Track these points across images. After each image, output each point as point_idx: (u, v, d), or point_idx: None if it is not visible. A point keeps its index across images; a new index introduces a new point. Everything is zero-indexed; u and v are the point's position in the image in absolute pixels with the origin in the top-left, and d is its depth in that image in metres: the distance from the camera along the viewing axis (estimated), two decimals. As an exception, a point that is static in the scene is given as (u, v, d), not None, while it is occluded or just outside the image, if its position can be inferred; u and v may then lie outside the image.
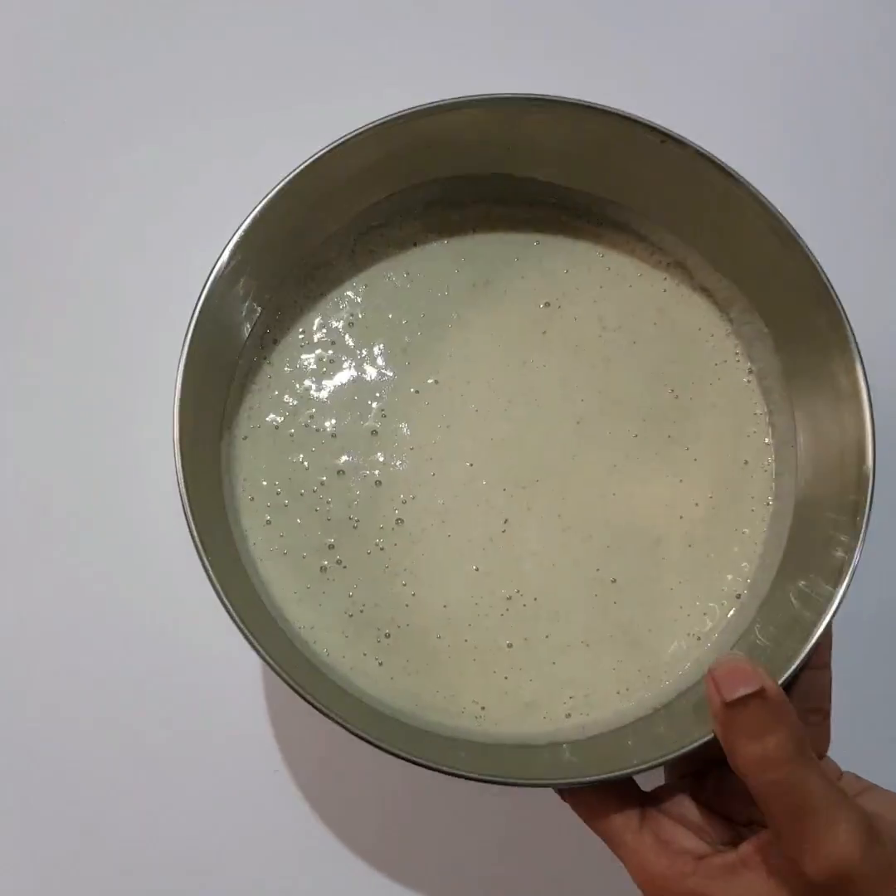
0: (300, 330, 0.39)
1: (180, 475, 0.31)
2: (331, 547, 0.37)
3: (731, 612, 0.37)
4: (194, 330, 0.33)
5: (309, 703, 0.30)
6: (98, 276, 0.47)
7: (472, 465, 0.38)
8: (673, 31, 0.50)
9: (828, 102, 0.49)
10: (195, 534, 0.31)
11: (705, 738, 0.31)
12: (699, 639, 0.36)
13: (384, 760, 0.31)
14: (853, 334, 0.33)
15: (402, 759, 0.30)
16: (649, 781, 0.34)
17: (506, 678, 0.36)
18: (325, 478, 0.38)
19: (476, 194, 0.40)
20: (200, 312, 0.33)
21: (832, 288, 0.34)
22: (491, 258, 0.40)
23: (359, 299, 0.39)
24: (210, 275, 0.34)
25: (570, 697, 0.36)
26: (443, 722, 0.35)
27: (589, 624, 0.37)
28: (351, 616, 0.37)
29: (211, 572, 0.30)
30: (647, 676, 0.36)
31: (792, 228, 0.34)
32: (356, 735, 0.30)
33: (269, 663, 0.30)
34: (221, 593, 0.30)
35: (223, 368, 0.37)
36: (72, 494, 0.45)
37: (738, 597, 0.37)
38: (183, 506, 0.31)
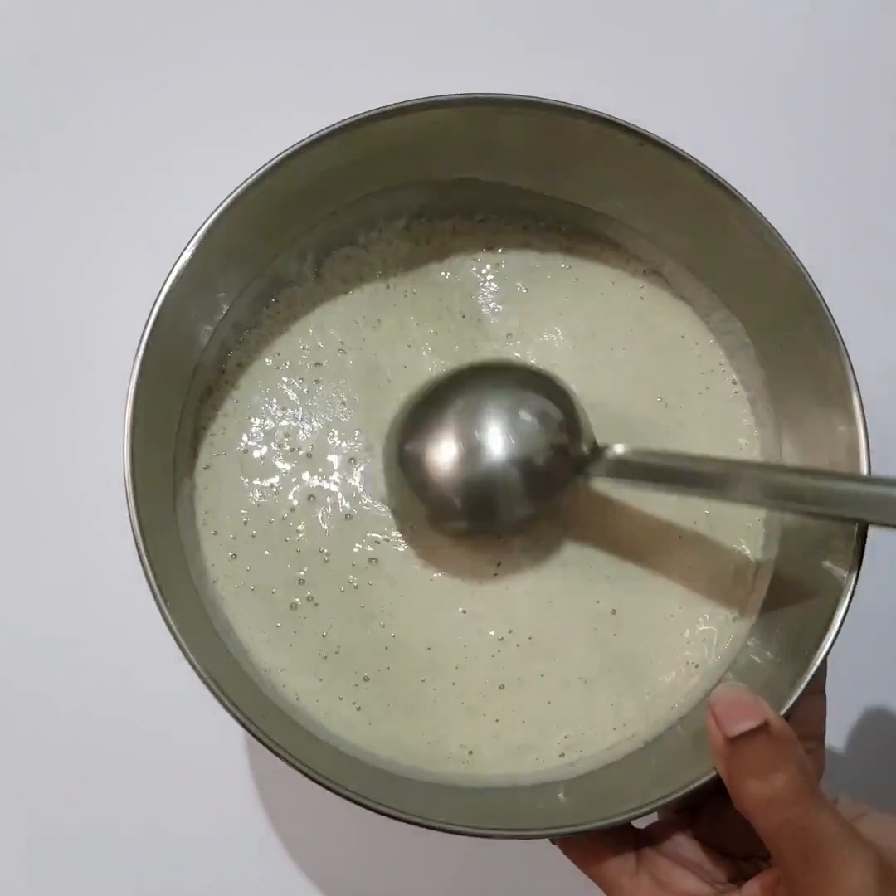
0: (274, 352, 0.37)
1: (133, 512, 0.29)
2: (301, 581, 0.35)
3: (730, 637, 0.35)
4: (147, 343, 0.30)
5: (277, 754, 0.28)
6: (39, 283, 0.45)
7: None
8: (654, 35, 0.49)
9: (815, 106, 0.48)
10: (152, 577, 0.28)
11: (707, 777, 0.29)
12: (697, 666, 0.35)
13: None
14: (843, 342, 0.32)
15: (382, 813, 0.28)
16: (644, 818, 0.32)
17: (497, 720, 0.34)
18: (296, 503, 0.35)
19: (441, 207, 0.38)
20: (154, 324, 0.31)
21: (819, 293, 0.32)
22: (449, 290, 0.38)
23: (325, 328, 0.37)
24: (163, 286, 0.31)
25: (565, 737, 0.34)
26: (425, 768, 0.33)
27: (587, 659, 0.35)
28: (325, 658, 0.34)
29: (171, 621, 0.28)
30: (645, 710, 0.34)
31: (777, 233, 0.33)
32: (329, 788, 0.28)
33: (233, 713, 0.28)
34: (186, 649, 0.28)
35: (178, 392, 0.34)
36: (17, 527, 0.42)
37: (734, 620, 0.35)
38: (137, 546, 0.28)
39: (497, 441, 0.33)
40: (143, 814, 0.41)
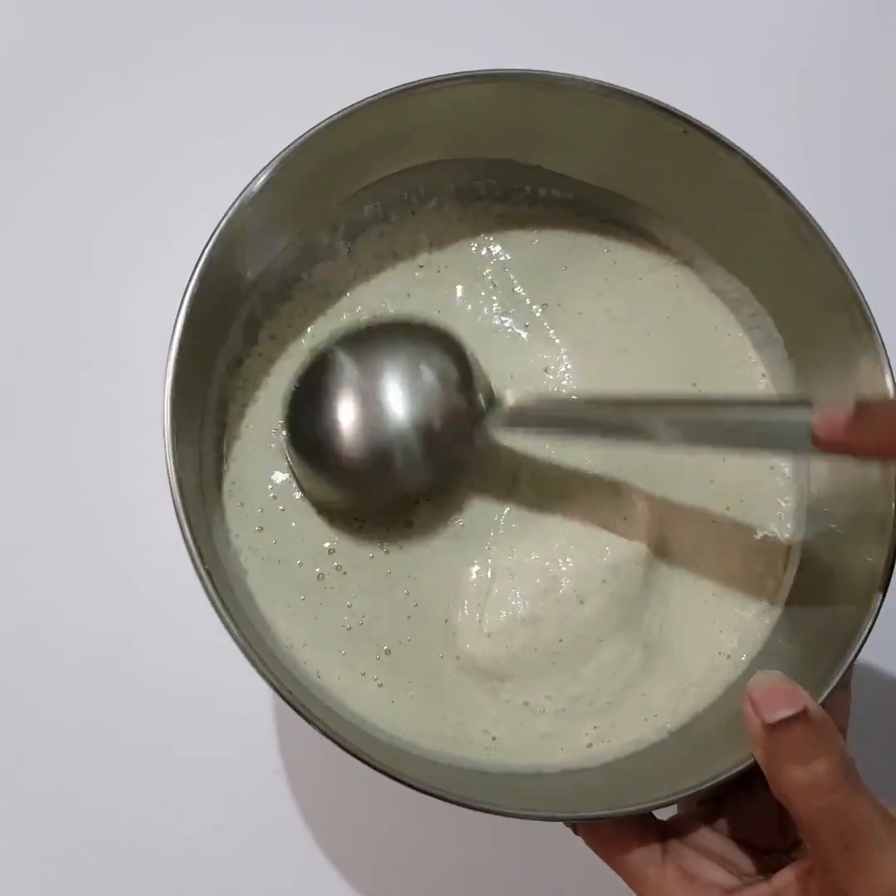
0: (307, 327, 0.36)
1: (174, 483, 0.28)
2: (331, 551, 0.34)
3: (760, 627, 0.35)
4: (187, 309, 0.30)
5: (312, 723, 0.27)
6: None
7: None
8: (692, 26, 0.50)
9: (854, 102, 0.49)
10: (192, 543, 0.28)
11: (742, 766, 0.29)
12: (729, 657, 0.34)
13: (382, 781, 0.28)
14: (882, 340, 0.32)
15: (411, 787, 0.28)
16: (664, 810, 0.32)
17: (525, 703, 0.33)
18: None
19: (474, 187, 0.38)
20: (192, 294, 0.30)
21: (860, 290, 0.32)
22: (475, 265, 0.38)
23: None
24: (204, 250, 0.30)
25: (594, 728, 0.33)
26: (451, 751, 0.32)
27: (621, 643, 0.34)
28: (349, 629, 0.33)
29: (210, 589, 0.27)
30: (676, 699, 0.34)
31: (819, 227, 0.33)
32: (361, 759, 0.27)
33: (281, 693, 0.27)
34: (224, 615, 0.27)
35: (208, 362, 0.34)
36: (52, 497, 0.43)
37: (764, 611, 0.35)
38: (177, 513, 0.28)
39: (397, 400, 0.32)
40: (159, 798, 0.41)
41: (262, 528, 0.34)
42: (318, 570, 0.34)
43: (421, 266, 0.37)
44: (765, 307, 0.37)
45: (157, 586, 0.42)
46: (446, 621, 0.34)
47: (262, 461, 0.34)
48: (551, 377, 0.37)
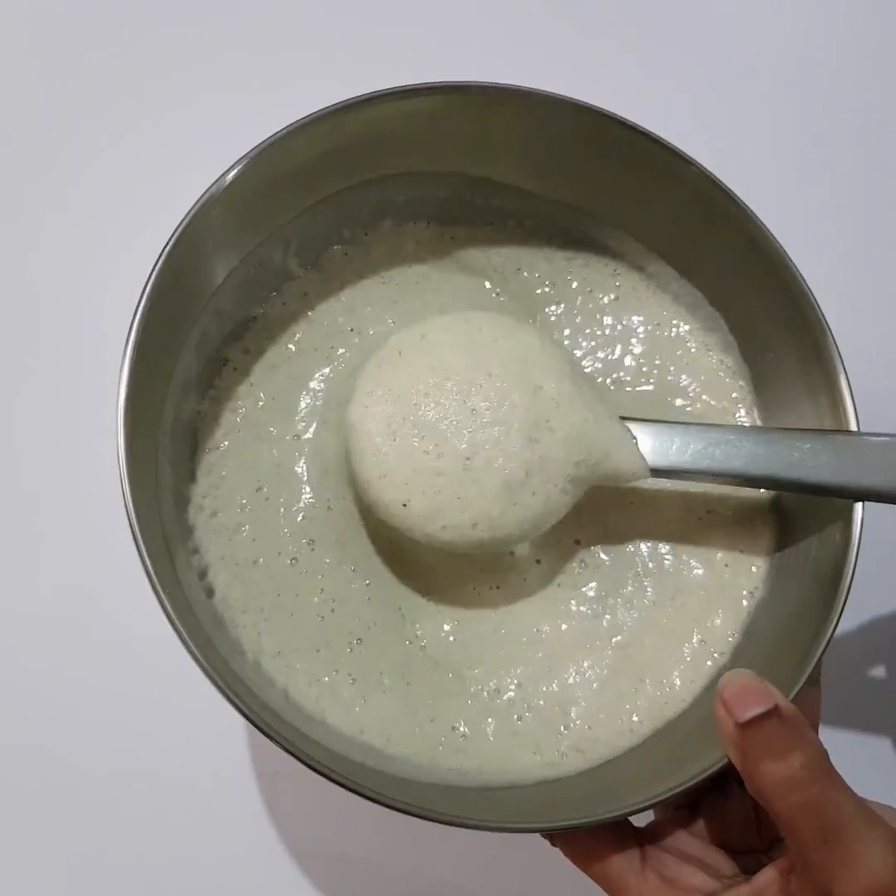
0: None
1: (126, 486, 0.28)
2: (310, 543, 0.35)
3: (739, 624, 0.35)
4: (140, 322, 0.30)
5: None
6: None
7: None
8: (656, 37, 0.52)
9: (804, 110, 0.51)
10: (152, 573, 0.27)
11: (718, 765, 0.29)
12: (709, 663, 0.35)
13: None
14: (834, 340, 0.33)
15: (379, 802, 0.27)
16: (640, 817, 0.32)
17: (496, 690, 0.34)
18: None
19: (426, 208, 0.38)
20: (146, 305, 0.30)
21: (810, 291, 0.33)
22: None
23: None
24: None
25: (566, 728, 0.33)
26: (422, 759, 0.32)
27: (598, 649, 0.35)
28: (323, 619, 0.33)
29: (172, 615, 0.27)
30: (650, 702, 0.34)
31: (769, 231, 0.33)
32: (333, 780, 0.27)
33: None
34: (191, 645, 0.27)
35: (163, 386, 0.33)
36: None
37: (745, 602, 0.35)
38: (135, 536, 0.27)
39: None
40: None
41: (241, 529, 0.34)
42: (293, 554, 0.34)
43: (383, 283, 0.38)
44: (719, 312, 0.37)
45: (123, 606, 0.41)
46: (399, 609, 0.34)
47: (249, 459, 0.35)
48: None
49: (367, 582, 0.35)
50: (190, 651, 0.27)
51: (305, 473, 0.36)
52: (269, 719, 0.27)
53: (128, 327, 0.30)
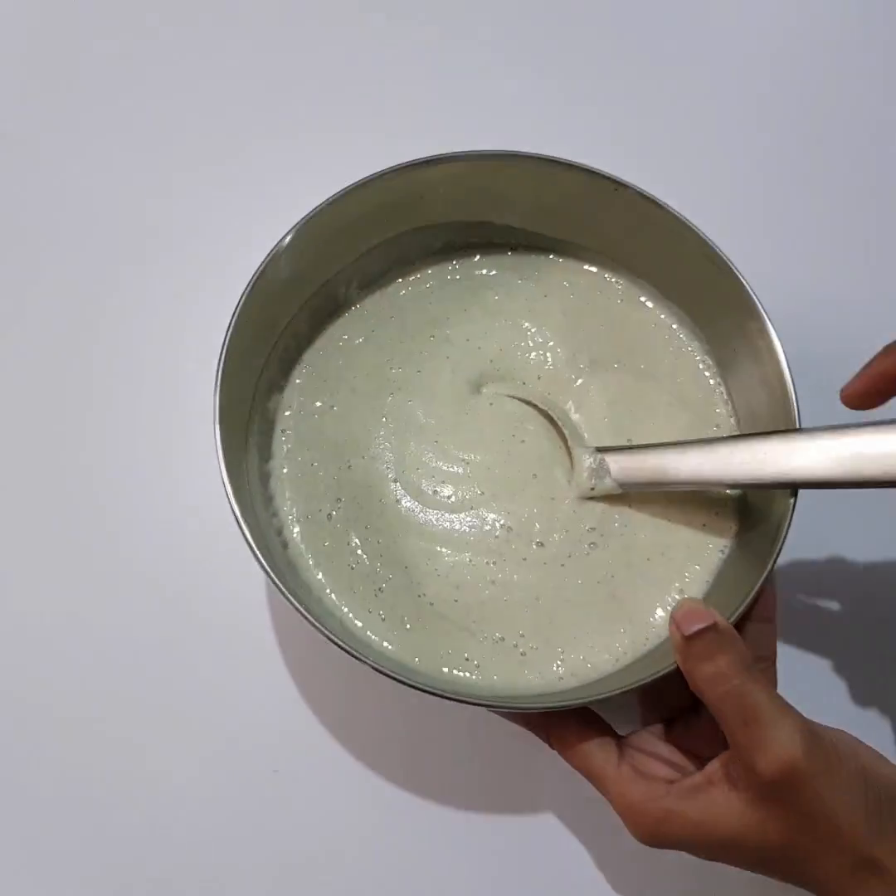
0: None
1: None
2: (338, 500, 0.43)
3: (711, 573, 0.42)
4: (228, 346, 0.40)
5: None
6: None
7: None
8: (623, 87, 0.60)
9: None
10: (238, 514, 0.37)
11: (668, 668, 0.36)
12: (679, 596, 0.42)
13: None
14: (778, 338, 0.40)
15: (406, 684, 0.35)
16: (622, 730, 0.39)
17: (502, 639, 0.41)
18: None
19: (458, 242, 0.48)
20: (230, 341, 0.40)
21: (759, 301, 0.41)
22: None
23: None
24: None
25: (562, 660, 0.41)
26: (439, 674, 0.40)
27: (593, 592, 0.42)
28: (352, 568, 0.42)
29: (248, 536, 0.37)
30: (633, 638, 0.41)
31: (723, 253, 0.42)
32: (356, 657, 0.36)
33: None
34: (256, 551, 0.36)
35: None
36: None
37: (718, 555, 0.42)
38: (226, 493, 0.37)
39: None
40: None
41: (300, 492, 0.44)
42: (328, 510, 0.43)
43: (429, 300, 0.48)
44: (696, 323, 0.46)
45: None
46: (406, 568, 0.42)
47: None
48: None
49: (379, 540, 0.43)
50: (280, 590, 0.36)
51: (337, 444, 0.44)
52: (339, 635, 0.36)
53: (220, 348, 0.39)
